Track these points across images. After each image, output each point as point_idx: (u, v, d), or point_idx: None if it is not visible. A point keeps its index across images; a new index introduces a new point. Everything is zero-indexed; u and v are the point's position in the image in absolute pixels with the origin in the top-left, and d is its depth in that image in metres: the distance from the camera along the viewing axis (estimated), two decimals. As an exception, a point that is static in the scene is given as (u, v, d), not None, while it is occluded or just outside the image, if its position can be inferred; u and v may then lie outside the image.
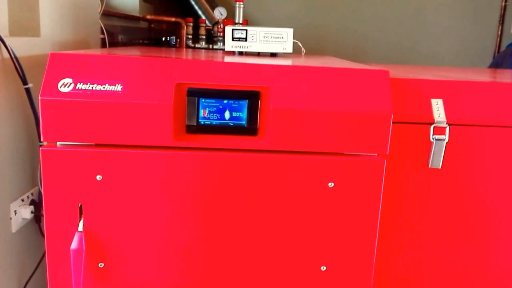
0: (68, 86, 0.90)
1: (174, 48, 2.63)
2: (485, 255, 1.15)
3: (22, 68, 1.11)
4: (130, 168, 0.94)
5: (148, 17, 2.68)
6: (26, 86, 1.13)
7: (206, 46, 2.74)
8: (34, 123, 1.20)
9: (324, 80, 0.97)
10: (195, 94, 0.95)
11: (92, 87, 0.90)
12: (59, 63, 0.91)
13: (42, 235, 1.30)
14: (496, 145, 1.09)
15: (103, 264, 0.98)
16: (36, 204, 1.24)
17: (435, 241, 1.13)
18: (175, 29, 2.82)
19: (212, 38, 2.84)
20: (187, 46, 2.73)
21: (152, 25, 2.80)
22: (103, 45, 1.93)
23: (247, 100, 0.96)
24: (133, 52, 1.13)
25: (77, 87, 0.90)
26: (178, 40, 2.81)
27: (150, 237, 0.98)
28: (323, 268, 1.02)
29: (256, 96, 0.96)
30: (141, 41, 2.66)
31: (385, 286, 1.14)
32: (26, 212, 1.19)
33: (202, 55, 1.36)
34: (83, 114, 0.90)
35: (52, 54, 0.92)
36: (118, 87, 0.91)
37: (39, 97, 0.89)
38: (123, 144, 0.93)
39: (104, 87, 0.91)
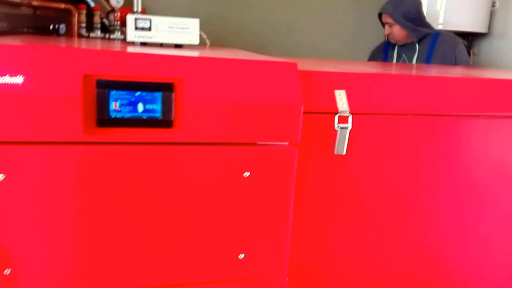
0: (-39, 78, 0.84)
1: (65, 38, 2.51)
2: (387, 234, 1.29)
3: None
4: (36, 166, 0.91)
5: (34, 3, 2.51)
6: None
7: (102, 35, 2.64)
8: None
9: (237, 72, 1.02)
10: (105, 86, 0.94)
11: (-10, 79, 0.86)
12: (-52, 52, 0.85)
13: None
14: (395, 132, 1.23)
15: (9, 270, 0.93)
16: None
17: (343, 223, 1.25)
18: (64, 16, 2.68)
19: (108, 27, 2.75)
20: (80, 36, 2.61)
21: (38, 12, 2.63)
22: (-15, 32, 1.79)
23: (161, 92, 0.98)
24: (31, 41, 1.09)
25: (-28, 79, 0.85)
26: (68, 28, 2.67)
27: (60, 238, 0.95)
28: (241, 256, 1.08)
29: (170, 87, 0.98)
30: (25, 29, 2.49)
31: (300, 270, 1.23)
32: None
33: (102, 45, 1.33)
34: (-20, 108, 0.85)
35: None
36: (20, 79, 0.88)
37: None
38: (27, 140, 0.90)
39: (3, 79, 0.87)
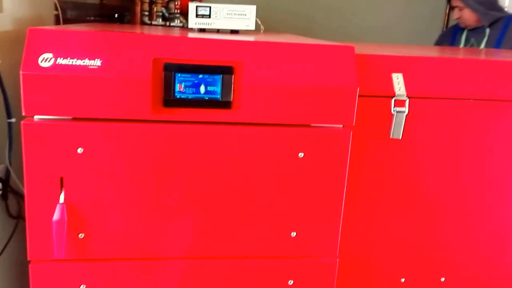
0: (49, 61, 0.98)
1: (129, 25, 2.68)
2: (442, 220, 1.33)
3: (-10, 43, 1.17)
4: (109, 141, 1.04)
5: (101, -8, 2.70)
6: (-6, 62, 1.19)
7: (163, 23, 2.80)
8: (-2, 100, 1.26)
9: (294, 56, 1.10)
10: (172, 69, 1.05)
11: (72, 62, 0.99)
12: (38, 39, 0.99)
13: (9, 213, 1.37)
14: (454, 117, 1.26)
15: (83, 235, 1.07)
16: (4, 182, 1.31)
17: (395, 207, 1.30)
18: (128, 5, 2.86)
19: (168, 15, 2.90)
20: (143, 23, 2.78)
21: (104, 1, 2.82)
22: (57, 21, 1.97)
23: (221, 75, 1.08)
24: (104, 28, 1.22)
25: (57, 62, 0.98)
26: (131, 17, 2.85)
27: (128, 207, 1.08)
28: (293, 234, 1.17)
29: (230, 70, 1.08)
30: (92, 18, 2.68)
31: (350, 252, 1.30)
32: (-6, 190, 1.26)
33: (167, 31, 1.45)
34: (64, 88, 0.99)
35: (30, 30, 0.99)
36: (98, 62, 1.00)
37: (21, 72, 0.97)
38: (102, 117, 1.03)
39: (84, 62, 1.00)
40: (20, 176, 1.26)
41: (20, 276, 1.49)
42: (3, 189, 1.31)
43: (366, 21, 3.18)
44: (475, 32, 2.55)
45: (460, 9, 2.50)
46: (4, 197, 1.32)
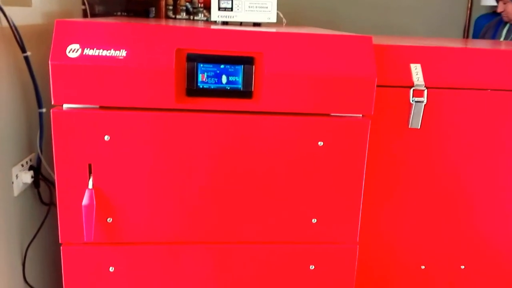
0: (76, 52, 1.01)
1: (155, 19, 2.71)
2: (461, 208, 1.32)
3: (21, 36, 1.21)
4: (135, 129, 1.07)
5: (129, -12, 2.75)
6: (25, 54, 1.23)
7: (187, 17, 2.83)
8: (29, 91, 1.30)
9: (314, 46, 1.11)
10: (194, 59, 1.08)
11: (99, 53, 1.02)
12: (65, 30, 1.02)
13: (41, 199, 1.42)
14: (472, 107, 1.25)
15: (111, 219, 1.11)
16: (35, 170, 1.35)
17: (414, 195, 1.30)
18: (153, 0, 2.90)
19: (192, 9, 2.93)
20: (168, 17, 2.82)
21: (130, -4, 2.87)
22: (85, 15, 2.02)
23: (242, 65, 1.10)
24: (130, 21, 1.25)
25: (84, 53, 1.02)
26: (156, 11, 2.89)
27: (154, 193, 1.11)
28: (314, 220, 1.18)
29: (251, 61, 1.09)
30: (119, 12, 2.73)
31: (370, 237, 1.31)
32: (27, 177, 1.31)
33: (190, 24, 1.47)
34: (91, 78, 1.02)
35: (58, 22, 1.03)
36: (123, 53, 1.03)
37: (50, 62, 1.00)
38: (128, 106, 1.06)
39: (109, 53, 1.03)
40: (51, 164, 1.31)
41: (53, 259, 1.55)
42: (35, 176, 1.35)
43: (389, 14, 3.15)
44: None
45: (505, 3, 2.44)
46: (36, 184, 1.37)
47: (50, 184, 1.43)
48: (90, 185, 1.07)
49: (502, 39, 2.57)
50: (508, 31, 2.55)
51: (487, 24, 2.74)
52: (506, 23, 2.55)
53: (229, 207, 1.15)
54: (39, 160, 1.35)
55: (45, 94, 1.28)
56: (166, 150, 1.09)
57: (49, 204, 1.46)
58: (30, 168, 1.35)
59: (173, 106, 1.07)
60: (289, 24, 1.78)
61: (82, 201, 1.07)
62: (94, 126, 1.05)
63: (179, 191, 1.12)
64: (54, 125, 1.04)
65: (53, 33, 1.03)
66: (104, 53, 1.03)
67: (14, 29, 1.19)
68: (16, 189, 1.29)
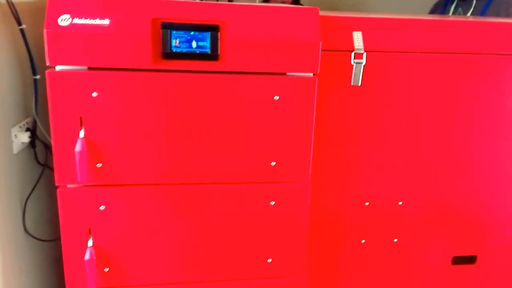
0: (67, 21, 1.15)
1: None
2: (392, 153, 1.50)
3: (17, 11, 1.33)
4: (119, 86, 1.21)
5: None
6: (21, 27, 1.35)
7: None
8: (24, 60, 1.42)
9: (269, 16, 1.26)
10: (168, 27, 1.22)
11: (86, 22, 1.16)
12: (57, 2, 1.15)
13: (37, 160, 1.54)
14: (403, 67, 1.43)
15: (100, 164, 1.25)
16: (32, 131, 1.48)
17: (356, 141, 1.47)
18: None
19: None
20: None
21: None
22: None
23: (209, 32, 1.24)
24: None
25: (73, 21, 1.15)
26: None
27: (136, 141, 1.26)
28: (273, 163, 1.34)
29: (216, 28, 1.24)
30: None
31: (320, 177, 1.48)
32: (25, 137, 1.44)
33: None
34: (80, 43, 1.16)
35: (50, -6, 1.16)
36: (107, 21, 1.17)
37: (45, 30, 1.14)
38: (112, 67, 1.20)
39: (95, 21, 1.16)
40: (46, 127, 1.43)
41: (48, 209, 1.67)
42: (32, 137, 1.47)
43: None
44: (465, 3, 2.60)
45: None
46: (33, 144, 1.49)
47: (45, 147, 1.55)
48: (82, 135, 1.21)
49: (450, 13, 2.72)
50: (455, 7, 2.68)
51: (436, 2, 2.88)
52: (454, 0, 2.66)
53: (202, 153, 1.30)
54: (34, 122, 1.47)
55: (39, 63, 1.40)
56: (145, 105, 1.24)
57: (44, 165, 1.58)
58: (27, 129, 1.47)
59: (150, 67, 1.22)
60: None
61: (75, 148, 1.20)
62: (83, 84, 1.19)
63: (157, 138, 1.27)
64: (49, 84, 1.17)
65: (46, 6, 1.15)
66: (91, 22, 1.16)
67: (11, 4, 1.31)
68: (16, 148, 1.41)
